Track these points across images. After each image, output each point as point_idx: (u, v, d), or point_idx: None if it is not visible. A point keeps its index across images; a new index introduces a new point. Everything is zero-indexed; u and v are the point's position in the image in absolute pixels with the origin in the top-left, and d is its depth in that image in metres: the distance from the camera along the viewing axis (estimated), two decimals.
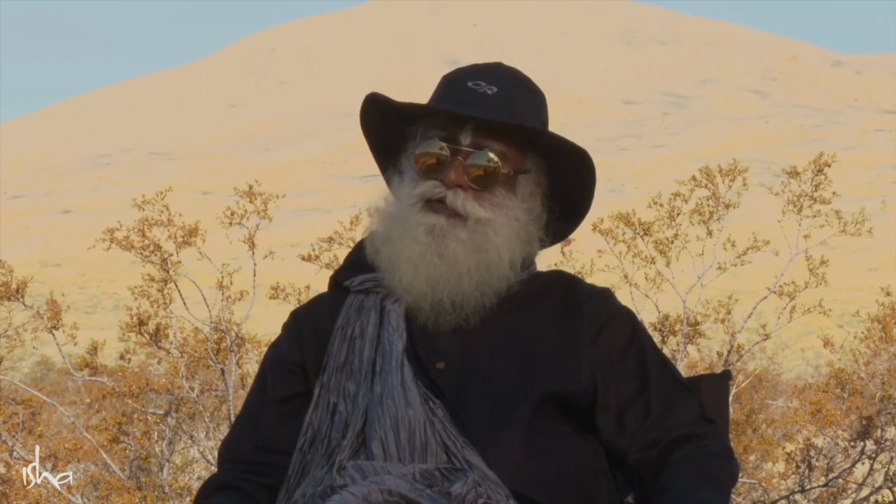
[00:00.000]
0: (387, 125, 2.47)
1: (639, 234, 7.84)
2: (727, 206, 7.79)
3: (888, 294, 8.67)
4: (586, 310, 2.40)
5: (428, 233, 2.33)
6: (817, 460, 8.52)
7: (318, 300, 2.53)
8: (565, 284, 2.45)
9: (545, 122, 2.45)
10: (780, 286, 7.81)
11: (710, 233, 7.82)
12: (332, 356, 2.39)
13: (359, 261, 2.47)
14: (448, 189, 2.34)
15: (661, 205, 7.81)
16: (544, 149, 2.42)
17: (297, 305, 2.64)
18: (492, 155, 2.35)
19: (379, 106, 2.44)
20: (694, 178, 7.88)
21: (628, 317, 2.43)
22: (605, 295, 2.45)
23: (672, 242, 7.82)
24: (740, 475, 8.84)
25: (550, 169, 2.43)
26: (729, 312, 8.01)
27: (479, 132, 2.36)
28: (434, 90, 2.47)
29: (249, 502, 2.36)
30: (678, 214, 7.81)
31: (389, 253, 2.37)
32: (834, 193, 7.90)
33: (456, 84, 2.43)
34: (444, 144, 2.36)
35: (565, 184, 2.44)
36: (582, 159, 2.40)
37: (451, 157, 2.35)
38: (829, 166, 7.82)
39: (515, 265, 2.38)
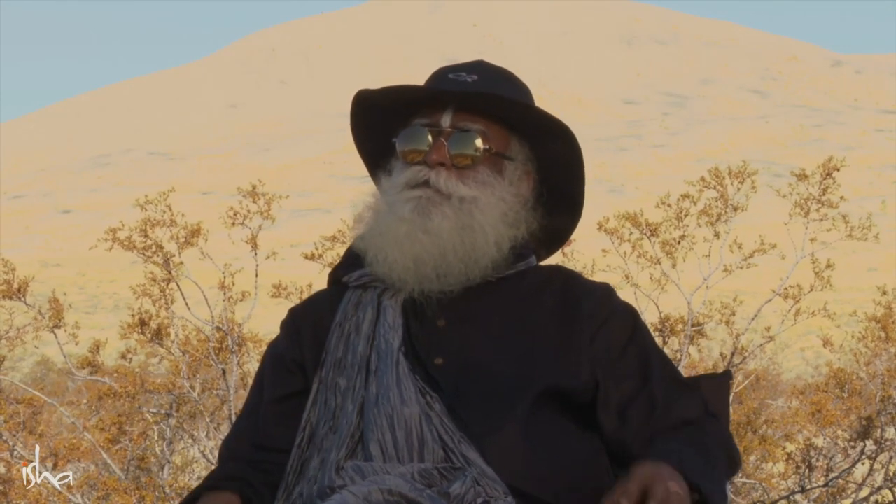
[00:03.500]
0: (374, 129, 2.50)
1: (645, 234, 7.84)
2: (735, 209, 7.80)
3: (885, 293, 8.67)
4: (586, 306, 2.40)
5: (413, 209, 2.35)
6: (817, 460, 8.52)
7: (317, 297, 2.54)
8: (564, 279, 2.45)
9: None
10: (785, 289, 7.82)
11: (717, 234, 7.83)
12: (330, 352, 2.40)
13: (356, 257, 2.47)
14: (431, 170, 2.37)
15: (670, 205, 7.82)
16: (527, 129, 2.43)
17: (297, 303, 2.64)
18: (473, 133, 2.38)
19: (366, 103, 2.47)
20: (703, 179, 7.88)
21: (629, 314, 2.43)
22: (606, 291, 2.44)
23: (679, 243, 7.82)
24: (740, 475, 8.85)
25: (536, 153, 2.45)
26: (733, 314, 8.02)
27: (460, 114, 2.39)
28: None
29: (255, 494, 2.37)
30: (686, 216, 7.81)
31: (377, 241, 2.38)
32: (842, 198, 7.91)
33: (437, 78, 2.47)
34: (425, 129, 2.38)
35: (554, 171, 2.46)
36: (566, 137, 2.42)
37: (433, 140, 2.38)
38: (838, 170, 7.83)
39: (502, 246, 2.38)
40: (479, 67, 2.47)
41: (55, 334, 7.45)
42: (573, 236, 2.62)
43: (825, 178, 7.81)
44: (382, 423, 2.28)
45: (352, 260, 2.48)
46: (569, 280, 2.45)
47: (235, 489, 2.35)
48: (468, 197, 2.36)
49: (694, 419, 2.32)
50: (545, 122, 2.41)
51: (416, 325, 2.38)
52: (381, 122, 2.47)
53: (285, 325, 2.50)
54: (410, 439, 2.26)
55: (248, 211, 7.32)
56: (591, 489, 2.31)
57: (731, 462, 2.32)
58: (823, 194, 7.83)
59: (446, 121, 2.39)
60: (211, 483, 2.39)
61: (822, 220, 7.82)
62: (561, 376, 2.33)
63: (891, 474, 8.29)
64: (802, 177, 7.83)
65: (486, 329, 2.37)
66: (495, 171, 2.40)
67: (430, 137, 2.38)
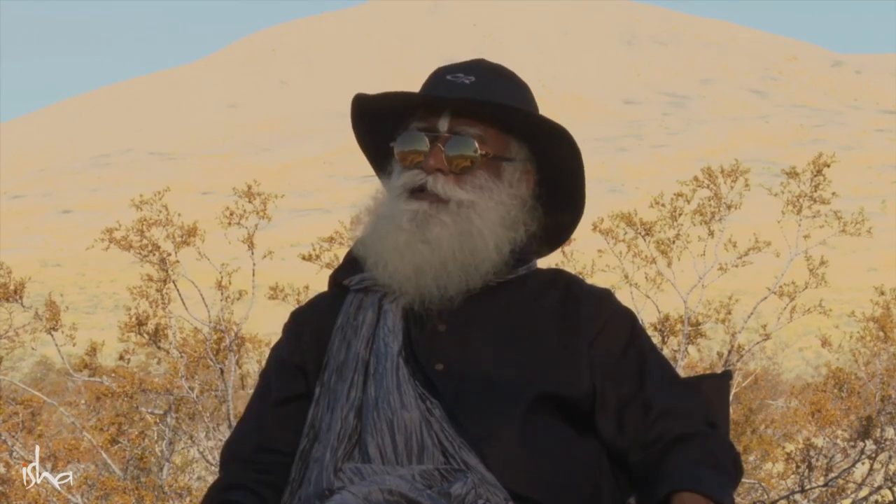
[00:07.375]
0: (375, 132, 2.49)
1: (640, 234, 7.85)
2: (729, 207, 7.81)
3: (882, 293, 8.67)
4: (585, 311, 2.40)
5: (411, 220, 2.34)
6: (817, 460, 8.51)
7: (318, 299, 2.54)
8: (565, 284, 2.45)
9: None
10: (781, 286, 7.83)
11: (711, 233, 7.84)
12: (332, 356, 2.40)
13: (357, 260, 2.47)
14: (428, 175, 2.36)
15: (663, 205, 7.83)
16: (524, 131, 2.42)
17: (297, 305, 2.64)
18: (470, 139, 2.37)
19: (363, 109, 2.47)
20: (696, 179, 7.90)
21: (627, 318, 2.43)
22: (605, 296, 2.45)
23: (673, 243, 7.83)
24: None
25: (535, 155, 2.44)
26: (729, 313, 8.02)
27: (456, 118, 2.38)
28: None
29: (260, 500, 2.36)
30: (680, 215, 7.82)
31: (377, 246, 2.38)
32: (833, 194, 7.91)
33: (435, 79, 2.46)
34: (422, 134, 2.38)
35: (553, 170, 2.45)
36: (564, 139, 2.41)
37: (430, 145, 2.37)
38: (829, 166, 7.84)
39: (501, 250, 2.38)
40: (477, 68, 2.45)
41: (52, 336, 7.44)
42: (574, 235, 2.61)
43: (816, 175, 7.83)
44: (382, 426, 2.28)
45: (353, 263, 2.48)
46: (570, 284, 2.45)
47: (242, 500, 2.35)
48: (466, 201, 2.35)
49: (694, 432, 2.31)
50: (542, 125, 2.41)
51: (417, 329, 2.38)
52: (381, 125, 2.47)
53: (287, 328, 2.50)
54: (410, 444, 2.27)
55: (245, 211, 7.32)
56: (592, 492, 2.31)
57: (737, 468, 2.32)
58: (815, 191, 7.84)
59: (443, 125, 2.38)
60: (215, 494, 2.39)
61: (814, 216, 7.84)
62: (561, 384, 2.33)
63: (891, 474, 8.29)
64: (793, 174, 7.84)
65: (487, 334, 2.37)
66: (494, 175, 2.39)
67: (427, 142, 2.38)
